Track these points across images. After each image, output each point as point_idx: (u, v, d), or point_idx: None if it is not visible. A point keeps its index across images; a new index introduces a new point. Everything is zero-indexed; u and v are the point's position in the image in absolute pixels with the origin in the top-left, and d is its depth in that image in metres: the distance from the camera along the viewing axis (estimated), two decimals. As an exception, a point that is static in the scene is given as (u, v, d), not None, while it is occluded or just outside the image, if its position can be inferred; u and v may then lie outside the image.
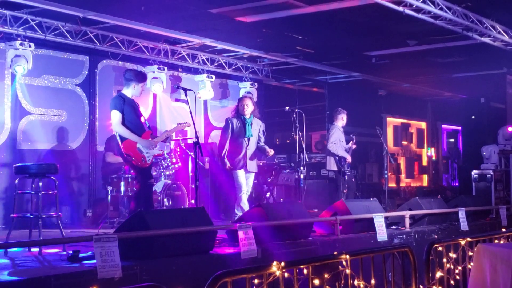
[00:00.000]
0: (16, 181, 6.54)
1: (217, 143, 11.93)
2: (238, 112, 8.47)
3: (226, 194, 11.77)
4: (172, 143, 10.77)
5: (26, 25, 9.44)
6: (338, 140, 10.22)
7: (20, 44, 9.20)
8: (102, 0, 9.04)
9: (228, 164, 8.33)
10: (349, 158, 10.23)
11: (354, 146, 10.40)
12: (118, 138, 6.91)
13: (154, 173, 9.60)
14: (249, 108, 8.41)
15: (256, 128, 8.46)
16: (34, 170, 6.46)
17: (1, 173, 9.31)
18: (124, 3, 9.16)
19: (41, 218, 6.35)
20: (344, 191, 10.34)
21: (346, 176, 10.25)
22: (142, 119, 7.12)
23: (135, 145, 6.89)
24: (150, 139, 7.04)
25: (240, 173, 8.37)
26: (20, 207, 8.17)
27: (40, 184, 6.46)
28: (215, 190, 11.25)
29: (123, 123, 6.90)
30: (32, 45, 9.40)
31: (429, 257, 4.71)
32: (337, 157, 10.16)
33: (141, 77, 7.20)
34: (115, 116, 6.87)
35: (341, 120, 10.38)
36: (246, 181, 8.42)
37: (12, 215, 6.49)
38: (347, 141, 10.41)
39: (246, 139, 8.39)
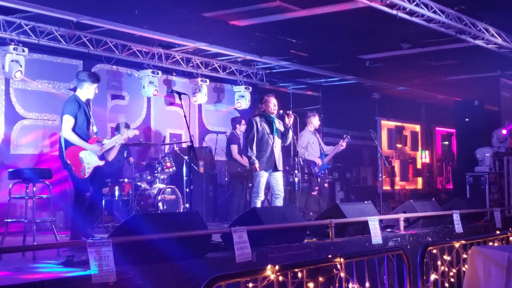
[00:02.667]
0: (10, 186, 6.52)
1: (212, 147, 12.02)
2: (264, 111, 8.44)
3: (221, 198, 11.79)
4: (167, 147, 10.78)
5: (20, 30, 9.43)
6: (307, 143, 10.28)
7: (14, 49, 9.18)
8: (95, 5, 9.04)
9: (257, 165, 8.17)
10: (317, 161, 10.26)
11: (342, 147, 10.40)
12: (62, 143, 6.65)
13: (149, 177, 9.61)
14: (276, 107, 8.42)
15: (279, 126, 8.44)
16: (28, 175, 6.44)
17: (-6, 178, 9.28)
18: (118, 8, 9.16)
19: (35, 223, 6.33)
20: (313, 193, 10.37)
21: (318, 179, 10.29)
22: (91, 126, 6.93)
23: (78, 154, 6.67)
24: (96, 144, 6.86)
25: (263, 175, 8.23)
26: (14, 212, 8.16)
27: (34, 189, 6.44)
28: (209, 194, 11.24)
29: (73, 129, 6.70)
30: (26, 49, 9.39)
31: (423, 259, 4.71)
32: (306, 160, 10.25)
33: (94, 78, 6.97)
34: (68, 122, 6.63)
35: (311, 123, 10.46)
36: (276, 180, 8.31)
37: (6, 220, 6.46)
38: (329, 143, 10.48)
39: (271, 137, 8.31)
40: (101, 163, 6.93)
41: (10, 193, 6.45)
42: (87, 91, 6.91)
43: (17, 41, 9.36)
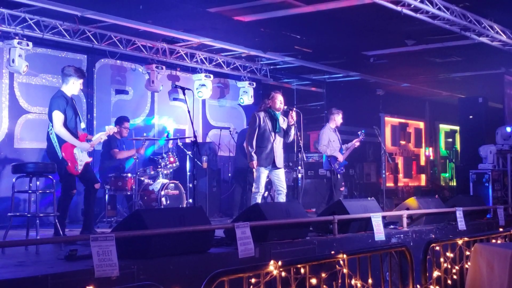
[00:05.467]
0: (14, 180, 6.52)
1: (215, 142, 12.03)
2: (270, 107, 8.43)
3: (224, 194, 11.80)
4: (170, 142, 10.78)
5: (24, 24, 9.43)
6: (328, 141, 10.25)
7: (18, 43, 9.18)
8: (100, -1, 9.04)
9: (254, 163, 8.14)
10: (340, 156, 10.24)
11: (357, 144, 10.39)
12: (55, 139, 6.68)
13: (152, 172, 9.62)
14: (282, 104, 8.40)
15: (282, 123, 8.42)
16: (32, 169, 6.44)
17: (-2, 172, 9.30)
18: (122, 2, 9.16)
19: (39, 217, 6.34)
20: (341, 189, 10.34)
21: (339, 175, 10.27)
22: (79, 122, 6.95)
23: (72, 150, 6.72)
24: (86, 142, 6.91)
25: (263, 171, 8.20)
26: (18, 206, 8.17)
27: (38, 183, 6.45)
28: (213, 190, 11.25)
29: (64, 124, 6.72)
30: (30, 44, 9.39)
31: (426, 256, 4.71)
32: (328, 158, 10.22)
33: (80, 73, 6.95)
34: (58, 118, 6.64)
35: (333, 120, 10.38)
36: (278, 177, 8.27)
37: (9, 214, 6.48)
38: (346, 140, 10.43)
39: (273, 133, 8.27)
40: (90, 159, 7.03)
41: (13, 187, 6.46)
42: (72, 86, 6.90)
43: (22, 35, 9.36)
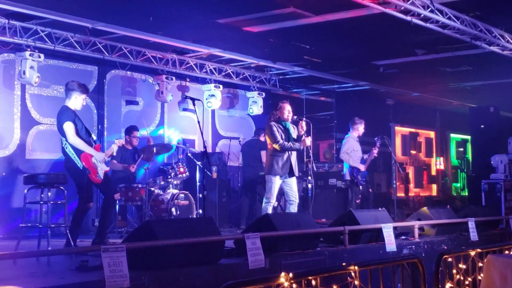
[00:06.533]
0: (25, 191, 6.56)
1: (225, 152, 12.04)
2: (278, 118, 8.44)
3: (234, 203, 11.79)
4: (180, 152, 10.80)
5: (36, 36, 9.50)
6: (351, 150, 10.24)
7: (30, 55, 9.25)
8: (111, 11, 9.09)
9: (302, 141, 8.19)
10: (362, 168, 10.23)
11: (375, 153, 10.37)
12: (72, 151, 6.67)
13: (162, 183, 9.63)
14: (291, 113, 8.41)
15: (293, 132, 8.44)
16: (43, 180, 6.48)
17: (10, 183, 9.34)
18: (133, 14, 9.21)
19: (50, 228, 6.36)
20: (357, 201, 10.31)
21: (360, 186, 10.24)
22: (88, 132, 6.98)
23: (91, 158, 6.73)
24: (100, 152, 6.94)
25: (276, 181, 8.20)
26: (29, 217, 8.20)
27: (49, 194, 6.48)
28: (222, 200, 11.24)
29: (77, 134, 6.73)
30: (42, 55, 9.45)
31: (438, 268, 4.67)
32: (350, 167, 10.21)
33: (83, 88, 6.97)
34: (70, 128, 6.65)
35: (356, 130, 10.40)
36: (290, 187, 8.28)
37: (21, 225, 6.51)
38: (365, 150, 10.44)
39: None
40: (107, 169, 7.04)
41: (25, 198, 6.49)
42: (75, 101, 6.90)
43: (33, 47, 9.43)
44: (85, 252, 5.89)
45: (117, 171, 9.57)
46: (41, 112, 9.93)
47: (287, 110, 8.36)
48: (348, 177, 10.35)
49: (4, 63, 9.58)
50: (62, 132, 6.71)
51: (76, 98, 6.89)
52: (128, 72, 11.27)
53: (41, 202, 6.51)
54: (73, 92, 6.88)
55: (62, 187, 6.62)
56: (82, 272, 4.92)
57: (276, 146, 8.18)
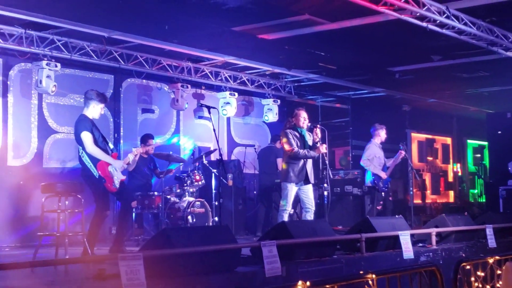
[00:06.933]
0: (43, 199, 6.60)
1: (240, 160, 12.04)
2: (294, 125, 8.45)
3: (250, 211, 11.78)
4: (195, 159, 10.82)
5: (52, 45, 9.59)
6: (373, 156, 10.24)
7: (47, 64, 9.32)
8: (127, 20, 9.16)
9: (317, 148, 8.20)
10: (383, 175, 10.21)
11: (400, 157, 10.36)
12: (88, 160, 6.72)
13: (178, 191, 9.65)
14: (306, 120, 8.42)
15: (309, 139, 8.44)
16: (61, 189, 6.53)
17: (27, 191, 9.41)
18: (148, 23, 9.27)
19: (67, 236, 6.40)
20: (378, 207, 10.28)
21: (383, 193, 10.22)
22: (106, 141, 7.02)
23: (107, 167, 6.77)
24: (118, 160, 6.98)
25: (292, 188, 8.20)
26: (47, 225, 8.25)
27: (66, 202, 6.53)
28: (238, 207, 11.24)
29: (95, 143, 6.78)
30: (59, 65, 9.53)
31: (457, 276, 4.64)
32: (373, 175, 10.20)
33: (102, 98, 7.02)
34: (88, 138, 6.70)
35: (378, 136, 10.42)
36: (306, 194, 8.26)
37: (39, 233, 6.55)
38: (386, 157, 10.43)
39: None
40: (124, 177, 7.06)
41: (43, 207, 6.54)
42: (93, 110, 6.94)
43: (50, 57, 9.51)
44: (103, 261, 5.91)
45: (134, 180, 9.60)
46: (58, 121, 10.01)
47: (303, 117, 8.35)
48: (369, 184, 10.35)
49: (21, 72, 9.68)
50: (79, 142, 6.75)
51: (94, 107, 6.93)
52: (144, 80, 11.33)
53: (59, 211, 6.56)
54: (91, 101, 6.93)
55: (79, 196, 6.66)
56: (99, 280, 4.93)
57: (291, 154, 8.18)
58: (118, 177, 6.86)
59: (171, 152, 10.02)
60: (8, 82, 9.49)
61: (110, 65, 10.45)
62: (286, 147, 8.26)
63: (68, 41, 9.75)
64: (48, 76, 9.33)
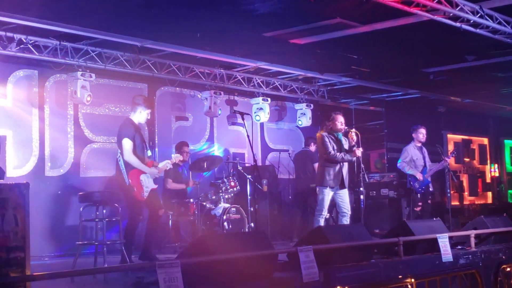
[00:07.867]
0: (81, 209, 6.70)
1: (275, 165, 12.03)
2: (331, 129, 8.43)
3: (285, 216, 11.76)
4: (230, 166, 10.86)
5: (87, 56, 9.73)
6: (409, 158, 10.18)
7: (81, 75, 9.47)
8: (159, 29, 9.24)
9: (354, 151, 8.23)
10: (419, 176, 10.11)
11: (447, 163, 10.28)
12: (122, 165, 6.87)
13: (214, 197, 9.69)
14: (343, 125, 8.40)
15: (345, 143, 8.42)
16: (98, 198, 6.62)
17: (65, 201, 9.56)
18: (180, 31, 9.34)
19: (106, 245, 6.47)
20: (416, 209, 10.18)
21: (419, 195, 10.12)
22: (145, 150, 7.13)
23: (139, 176, 6.89)
24: (153, 168, 7.08)
25: (328, 193, 8.20)
26: (85, 234, 8.37)
27: (104, 211, 6.62)
28: (274, 213, 11.23)
29: (134, 152, 6.90)
30: (93, 75, 9.67)
31: (497, 278, 4.56)
32: (409, 176, 10.14)
33: (148, 103, 7.25)
34: (128, 145, 6.85)
35: (416, 137, 10.36)
36: (342, 198, 8.26)
37: (77, 242, 6.64)
38: (432, 159, 10.32)
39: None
40: (156, 186, 7.13)
41: (81, 216, 6.63)
42: (139, 115, 7.12)
43: (85, 67, 9.66)
44: (141, 268, 5.96)
45: (167, 186, 9.67)
46: (94, 130, 10.15)
47: (340, 122, 8.33)
48: (408, 185, 10.32)
49: (57, 83, 9.84)
50: (119, 145, 6.94)
51: (140, 113, 7.13)
52: (177, 88, 11.42)
53: (97, 220, 6.64)
54: (138, 107, 7.11)
55: (116, 204, 6.74)
56: (138, 288, 4.98)
57: (328, 157, 8.16)
58: (148, 187, 6.95)
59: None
60: (44, 94, 9.66)
61: (143, 74, 10.56)
62: (323, 151, 8.24)
63: (102, 52, 9.89)
64: (83, 87, 9.48)
